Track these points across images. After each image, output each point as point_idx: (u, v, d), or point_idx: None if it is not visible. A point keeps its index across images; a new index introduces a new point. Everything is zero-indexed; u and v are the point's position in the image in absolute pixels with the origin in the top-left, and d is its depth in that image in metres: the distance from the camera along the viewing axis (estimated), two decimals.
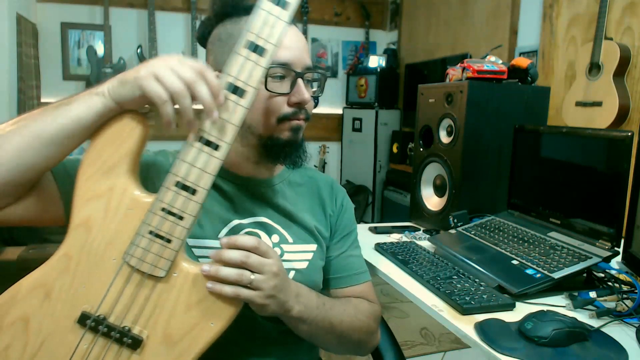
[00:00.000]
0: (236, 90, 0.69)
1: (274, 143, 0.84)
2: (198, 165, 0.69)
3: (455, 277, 1.08)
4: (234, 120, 0.69)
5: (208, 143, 0.69)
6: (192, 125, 0.69)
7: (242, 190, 0.89)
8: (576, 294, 0.99)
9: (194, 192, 0.69)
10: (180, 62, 0.69)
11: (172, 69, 0.67)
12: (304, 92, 0.84)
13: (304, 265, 0.90)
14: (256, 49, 0.69)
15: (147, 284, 0.71)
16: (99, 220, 0.71)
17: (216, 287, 0.70)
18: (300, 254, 0.90)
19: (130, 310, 0.71)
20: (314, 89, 0.90)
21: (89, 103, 0.69)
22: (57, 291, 0.71)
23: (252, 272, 0.70)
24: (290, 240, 0.90)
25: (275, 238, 0.89)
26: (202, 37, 0.90)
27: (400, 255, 1.26)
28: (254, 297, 0.71)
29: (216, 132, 0.69)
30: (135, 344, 0.71)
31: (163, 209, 0.69)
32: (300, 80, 0.84)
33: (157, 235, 0.70)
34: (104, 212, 0.71)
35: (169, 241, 0.70)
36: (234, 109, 0.69)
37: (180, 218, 0.69)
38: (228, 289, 0.70)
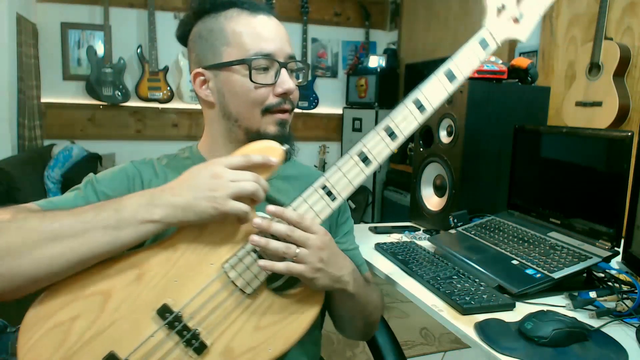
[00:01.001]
0: (365, 159, 0.81)
1: (261, 137, 0.84)
2: (315, 209, 0.79)
3: (455, 277, 1.08)
4: (355, 182, 0.80)
5: (329, 194, 0.79)
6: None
7: None
8: (576, 294, 0.99)
9: None
10: (229, 170, 0.73)
11: (238, 178, 0.72)
12: (289, 81, 0.85)
13: None
14: (392, 134, 0.82)
15: (234, 297, 0.76)
16: (214, 225, 0.76)
17: (268, 264, 0.74)
18: None
19: (209, 316, 0.74)
20: (300, 80, 0.91)
21: (141, 233, 0.70)
22: (149, 277, 0.73)
23: (298, 246, 0.75)
24: None
25: None
26: (183, 35, 0.91)
27: (400, 255, 1.26)
28: (302, 271, 0.75)
29: (339, 187, 0.79)
30: (201, 348, 0.73)
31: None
32: (284, 70, 0.85)
33: (260, 257, 0.76)
34: (221, 221, 0.75)
35: None
36: (358, 174, 0.80)
37: None
38: (280, 266, 0.74)
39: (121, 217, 0.69)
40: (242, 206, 0.72)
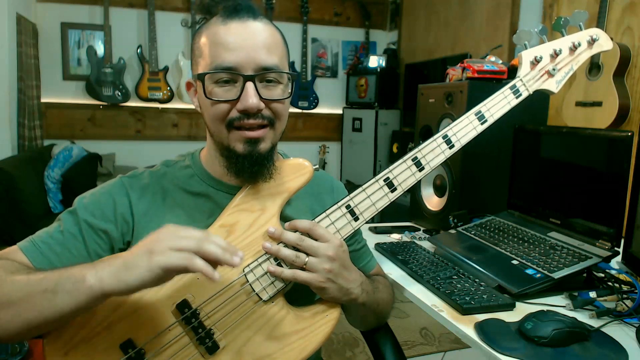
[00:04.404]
0: (391, 185, 0.85)
1: (231, 154, 0.80)
2: (337, 225, 0.82)
3: (455, 277, 1.08)
4: (378, 205, 0.84)
5: (352, 213, 0.83)
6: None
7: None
8: (576, 294, 0.99)
9: None
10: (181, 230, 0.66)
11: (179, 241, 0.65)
12: (252, 97, 0.76)
13: None
14: (419, 164, 0.87)
15: (251, 302, 0.77)
16: (242, 229, 0.79)
17: (277, 270, 0.76)
18: None
19: (225, 317, 0.75)
20: (278, 91, 0.80)
21: (76, 298, 0.64)
22: None
23: (308, 254, 0.77)
24: None
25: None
26: None
27: (400, 255, 1.26)
28: (310, 280, 0.76)
29: (363, 207, 0.83)
30: (213, 348, 0.74)
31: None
32: (249, 84, 0.76)
33: (279, 265, 0.78)
34: (248, 225, 0.79)
35: None
36: (381, 197, 0.84)
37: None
38: (287, 273, 0.76)
39: (59, 281, 0.64)
40: (182, 260, 0.62)
